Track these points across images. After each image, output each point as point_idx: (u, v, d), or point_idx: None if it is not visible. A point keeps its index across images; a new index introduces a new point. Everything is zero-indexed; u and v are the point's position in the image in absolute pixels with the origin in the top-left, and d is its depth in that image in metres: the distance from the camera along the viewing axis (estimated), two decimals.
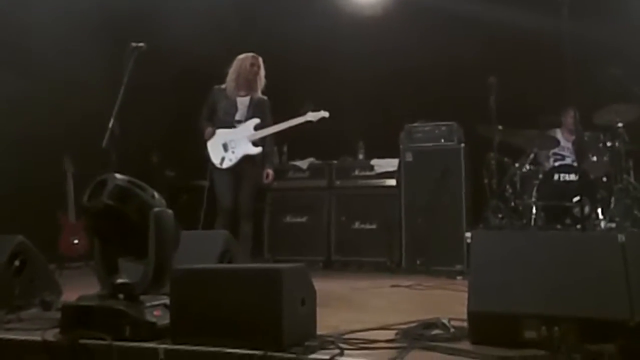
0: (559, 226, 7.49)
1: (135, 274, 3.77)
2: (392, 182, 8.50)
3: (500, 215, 7.84)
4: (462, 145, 8.18)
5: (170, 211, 3.84)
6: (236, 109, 7.25)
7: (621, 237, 3.79)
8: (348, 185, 8.81)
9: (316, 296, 3.63)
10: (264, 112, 7.32)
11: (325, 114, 7.22)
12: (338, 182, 8.86)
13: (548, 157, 8.48)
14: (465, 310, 3.60)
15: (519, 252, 3.79)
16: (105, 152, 5.97)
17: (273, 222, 8.98)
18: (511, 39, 8.69)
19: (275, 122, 7.32)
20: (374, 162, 8.73)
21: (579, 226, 7.22)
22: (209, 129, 7.23)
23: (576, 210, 7.33)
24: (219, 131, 7.22)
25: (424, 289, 6.34)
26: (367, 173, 8.72)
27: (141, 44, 6.35)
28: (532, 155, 8.13)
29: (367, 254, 8.42)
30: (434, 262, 7.81)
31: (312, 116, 7.21)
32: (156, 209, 3.75)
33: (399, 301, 5.76)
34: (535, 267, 3.69)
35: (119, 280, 3.79)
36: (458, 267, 7.66)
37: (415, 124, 8.47)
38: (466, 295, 3.64)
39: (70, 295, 4.80)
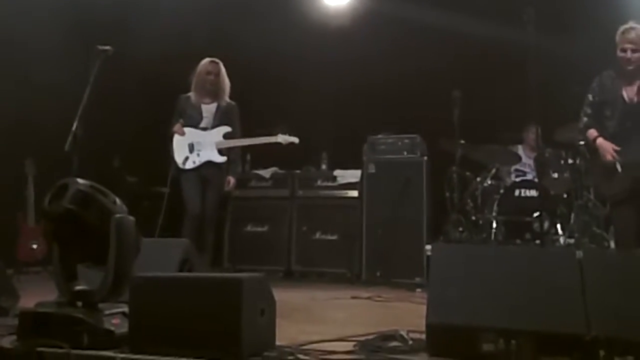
0: (518, 241, 7.56)
1: (94, 281, 3.74)
2: (355, 193, 8.49)
3: (460, 229, 7.90)
4: (425, 158, 8.19)
5: (131, 218, 3.81)
6: (201, 117, 7.21)
7: (579, 253, 3.85)
8: (310, 195, 8.77)
9: (276, 307, 3.63)
10: (232, 119, 7.30)
11: (295, 139, 7.27)
12: (300, 192, 8.82)
13: (509, 173, 8.57)
14: (424, 322, 3.62)
15: (479, 266, 3.83)
16: (68, 155, 5.92)
17: (234, 231, 8.89)
18: (477, 53, 8.76)
19: (243, 131, 7.35)
20: (336, 172, 8.72)
21: (538, 241, 7.31)
22: (179, 124, 7.17)
23: (536, 225, 7.42)
24: (189, 130, 7.18)
25: (384, 300, 6.36)
26: (330, 184, 8.70)
27: (107, 48, 6.31)
28: (493, 171, 8.20)
29: (327, 264, 8.38)
30: (394, 274, 7.80)
31: (282, 139, 7.26)
32: (117, 216, 3.73)
33: (358, 313, 5.78)
34: (494, 280, 3.73)
35: (78, 287, 3.76)
36: (417, 279, 7.66)
37: (379, 136, 8.47)
38: (425, 307, 3.66)
39: (27, 300, 4.75)
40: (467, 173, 8.15)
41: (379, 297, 6.49)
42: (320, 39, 9.53)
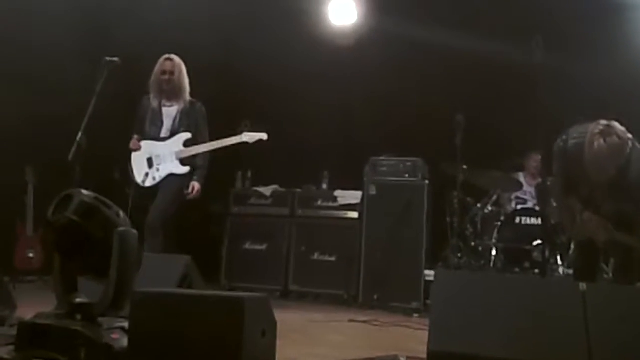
0: (517, 269, 7.56)
1: (95, 294, 3.70)
2: (355, 214, 8.44)
3: (459, 255, 7.88)
4: (426, 182, 8.17)
5: (134, 231, 3.79)
6: (162, 122, 6.78)
7: (582, 286, 3.83)
8: (310, 215, 8.73)
9: (276, 328, 3.60)
10: (196, 122, 6.81)
11: (263, 136, 6.86)
12: (300, 212, 8.77)
13: (510, 200, 8.56)
14: (422, 348, 3.61)
15: (481, 294, 3.81)
16: (69, 165, 5.92)
17: (232, 248, 8.84)
18: (483, 78, 8.76)
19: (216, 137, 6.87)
20: (337, 193, 8.69)
21: (537, 270, 7.29)
22: (134, 139, 6.75)
23: (535, 254, 7.42)
24: (145, 143, 6.76)
25: (381, 325, 6.32)
26: (330, 204, 8.66)
27: (115, 59, 6.33)
28: (494, 197, 8.20)
29: (324, 285, 8.33)
30: (391, 298, 7.76)
31: (248, 137, 6.80)
32: (121, 229, 3.70)
33: (356, 336, 5.75)
34: (497, 310, 3.71)
35: (78, 300, 3.72)
36: (415, 304, 7.62)
37: (381, 158, 8.44)
38: (423, 333, 3.66)
39: (24, 310, 4.72)
40: (468, 198, 8.14)
41: (377, 321, 6.45)
42: (325, 58, 9.53)
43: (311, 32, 9.66)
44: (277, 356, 3.63)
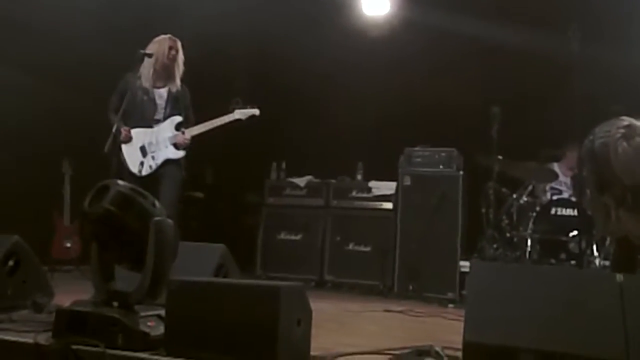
0: (553, 260, 7.48)
1: (131, 283, 3.74)
2: (389, 205, 8.45)
3: (495, 246, 7.83)
4: (461, 172, 8.15)
5: (170, 221, 3.82)
6: (155, 105, 6.58)
7: (619, 277, 3.79)
8: (345, 205, 8.74)
9: (312, 317, 3.61)
10: (186, 105, 6.66)
11: (255, 111, 6.65)
12: (335, 202, 8.79)
13: (545, 191, 8.48)
14: (457, 339, 3.59)
15: (517, 286, 3.78)
16: (105, 156, 5.97)
17: (267, 238, 8.90)
18: (518, 69, 8.69)
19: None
20: (371, 184, 8.69)
21: (573, 262, 7.23)
22: (124, 130, 6.38)
23: (572, 245, 7.35)
24: (135, 132, 6.50)
25: (417, 315, 6.31)
26: (365, 195, 8.67)
27: (150, 52, 6.38)
28: (530, 187, 8.13)
29: (359, 276, 8.34)
30: (426, 289, 7.76)
31: (240, 114, 6.59)
32: (157, 218, 3.73)
33: (392, 326, 5.74)
34: (533, 301, 3.68)
35: (115, 288, 3.77)
36: (450, 294, 7.62)
37: (416, 148, 8.42)
38: (458, 324, 3.64)
39: (60, 298, 4.79)
40: (503, 189, 8.08)
41: (412, 311, 6.44)
42: (359, 49, 9.51)
43: (344, 23, 9.65)
44: (312, 345, 3.64)
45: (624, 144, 4.80)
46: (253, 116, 6.64)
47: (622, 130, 4.82)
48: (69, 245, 8.12)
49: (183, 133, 6.49)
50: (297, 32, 9.46)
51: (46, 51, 7.96)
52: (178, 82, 6.61)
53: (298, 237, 8.75)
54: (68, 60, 8.04)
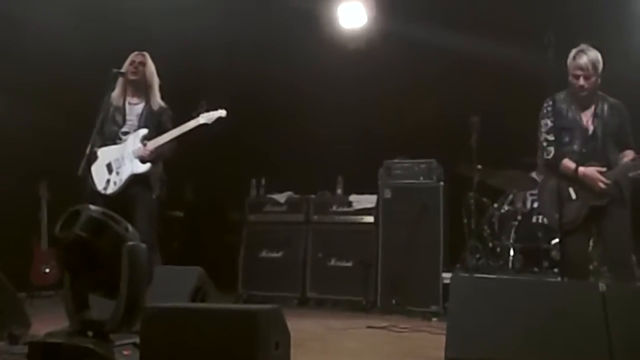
0: (536, 269, 7.46)
1: (106, 310, 3.67)
2: (370, 219, 8.37)
3: (477, 256, 7.80)
4: (441, 183, 8.10)
5: (144, 245, 3.75)
6: (124, 119, 6.35)
7: (602, 286, 3.76)
8: (325, 220, 8.65)
9: (290, 339, 3.54)
10: (161, 122, 6.36)
11: (221, 112, 6.24)
12: (315, 217, 8.69)
13: (525, 198, 8.44)
14: (441, 354, 3.55)
15: (499, 298, 3.75)
16: (81, 179, 5.87)
17: (248, 256, 8.77)
18: (495, 77, 8.66)
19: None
20: (352, 197, 8.61)
21: (556, 270, 7.19)
22: (92, 151, 6.01)
23: (554, 253, 7.32)
24: (102, 150, 6.29)
25: (400, 331, 6.24)
26: (345, 209, 8.58)
27: (123, 71, 6.30)
28: (510, 196, 8.10)
29: (342, 292, 8.23)
30: (410, 302, 7.68)
31: (205, 118, 6.18)
32: (129, 243, 3.67)
33: (375, 343, 5.68)
34: (515, 313, 3.65)
35: (88, 317, 3.69)
36: (433, 308, 7.54)
37: (395, 160, 8.38)
38: (442, 338, 3.59)
39: (39, 326, 4.72)
40: (484, 199, 8.06)
41: (395, 326, 6.38)
42: (336, 61, 9.47)
43: (322, 37, 9.60)
44: None
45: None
46: (220, 118, 6.22)
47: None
48: (47, 270, 8.01)
49: (145, 145, 6.22)
50: (274, 46, 9.44)
51: (23, 70, 7.87)
52: (157, 98, 6.43)
53: (279, 254, 8.64)
54: (45, 80, 7.96)
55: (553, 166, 5.58)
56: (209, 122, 6.19)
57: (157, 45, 6.99)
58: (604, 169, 5.37)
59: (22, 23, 7.80)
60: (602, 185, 5.30)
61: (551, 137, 5.59)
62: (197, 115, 6.20)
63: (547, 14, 7.99)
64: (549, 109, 5.64)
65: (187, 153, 6.71)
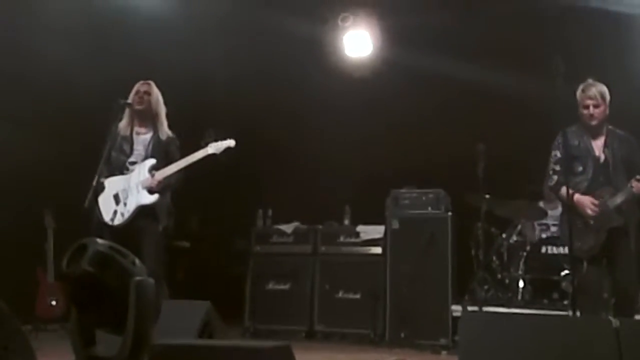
0: (545, 301, 7.40)
1: (114, 346, 3.62)
2: (378, 249, 8.31)
3: (486, 287, 7.73)
4: (449, 214, 8.05)
5: (151, 280, 3.70)
6: (131, 149, 6.32)
7: (615, 322, 3.70)
8: (333, 252, 8.58)
9: None
10: (168, 152, 6.33)
11: (230, 142, 6.19)
12: (323, 248, 8.63)
13: (534, 227, 8.39)
14: None
15: (510, 335, 3.69)
16: (88, 211, 5.82)
17: (255, 289, 8.68)
18: (501, 106, 8.66)
19: None
20: (359, 228, 8.56)
21: (566, 302, 7.13)
22: (99, 181, 5.94)
23: (564, 284, 7.25)
24: (109, 181, 6.24)
25: None
26: (353, 240, 8.52)
27: (129, 101, 6.27)
28: (519, 227, 8.06)
29: (350, 324, 8.16)
30: (419, 335, 7.60)
31: (214, 148, 6.14)
32: (137, 278, 3.62)
33: None
34: (527, 351, 3.58)
35: (95, 353, 3.64)
36: (442, 341, 7.46)
37: (402, 190, 8.34)
38: None
39: None
40: (492, 229, 8.01)
41: None
42: (342, 91, 9.49)
43: (327, 65, 9.60)
44: None
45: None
46: (229, 149, 6.18)
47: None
48: (53, 302, 7.92)
49: (153, 176, 6.18)
50: (279, 75, 9.44)
51: (29, 100, 7.89)
52: (164, 127, 6.40)
53: (286, 286, 8.56)
54: (52, 110, 7.97)
55: (554, 193, 6.10)
56: (218, 152, 6.13)
57: (163, 75, 6.99)
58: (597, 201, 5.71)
59: (28, 54, 7.82)
60: (589, 211, 5.69)
61: (558, 168, 5.96)
62: (206, 145, 6.15)
63: (553, 44, 7.97)
64: (559, 140, 5.92)
65: (193, 183, 6.64)
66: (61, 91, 7.97)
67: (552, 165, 6.03)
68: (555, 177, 5.95)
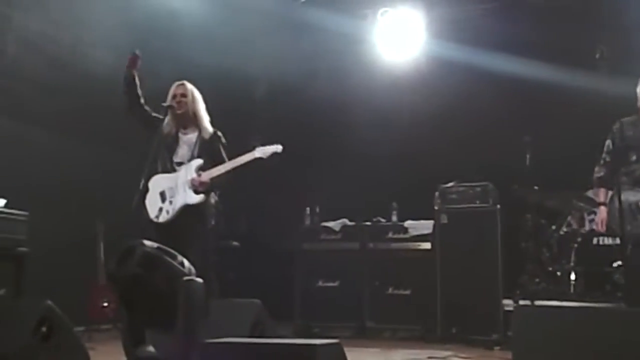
0: (598, 293, 7.25)
1: (164, 345, 3.64)
2: (427, 245, 8.25)
3: (537, 280, 7.61)
4: (498, 206, 7.94)
5: (199, 280, 3.72)
6: (177, 149, 6.31)
7: None
8: (381, 248, 8.54)
9: None
10: (214, 151, 6.27)
11: (277, 147, 6.13)
12: (371, 245, 8.59)
13: (583, 218, 8.25)
14: None
15: (563, 329, 3.64)
16: (135, 212, 5.85)
17: (304, 286, 8.72)
18: (547, 96, 8.58)
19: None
20: (408, 224, 8.52)
21: (619, 294, 7.00)
22: (146, 182, 5.97)
23: (617, 276, 7.12)
24: (156, 178, 6.20)
25: None
26: (401, 236, 8.49)
27: (173, 104, 6.28)
28: (568, 218, 7.93)
29: (401, 320, 8.16)
30: (470, 331, 7.54)
31: (261, 152, 6.09)
32: (186, 278, 3.64)
33: None
34: (581, 344, 3.53)
35: (145, 354, 3.67)
36: (495, 336, 7.34)
37: (450, 185, 8.25)
38: None
39: None
40: (542, 221, 7.89)
41: (457, 356, 6.26)
42: (387, 87, 9.46)
43: (370, 61, 9.58)
44: None
45: None
46: (275, 154, 6.12)
47: None
48: (105, 304, 8.02)
49: (200, 176, 6.13)
50: (323, 72, 9.45)
51: (76, 111, 8.00)
52: (207, 125, 6.33)
53: (336, 283, 8.56)
54: (98, 118, 8.05)
55: (594, 186, 6.36)
56: (264, 156, 6.10)
57: (207, 78, 7.01)
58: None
59: (69, 63, 7.92)
60: (598, 227, 6.21)
61: (608, 158, 6.08)
62: (253, 149, 6.12)
63: (598, 37, 7.86)
64: (615, 130, 6.01)
65: (242, 182, 6.66)
66: (107, 100, 8.03)
67: (603, 155, 6.11)
68: (602, 174, 6.15)
